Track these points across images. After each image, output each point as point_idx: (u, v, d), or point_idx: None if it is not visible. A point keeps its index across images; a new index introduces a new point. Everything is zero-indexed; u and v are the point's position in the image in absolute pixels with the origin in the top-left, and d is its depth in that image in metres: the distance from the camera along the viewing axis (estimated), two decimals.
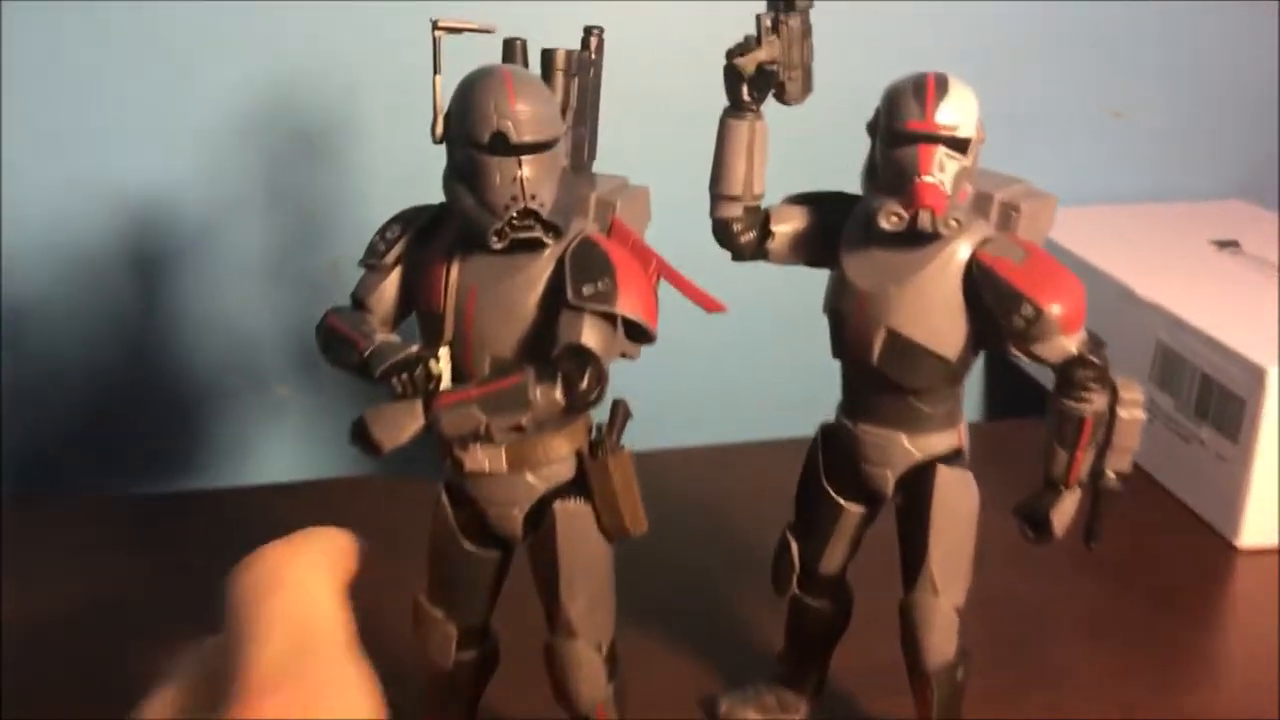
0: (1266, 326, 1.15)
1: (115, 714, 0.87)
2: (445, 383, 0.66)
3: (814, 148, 1.02)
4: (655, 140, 1.16)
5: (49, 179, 1.20)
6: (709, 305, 0.66)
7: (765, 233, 0.76)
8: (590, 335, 0.65)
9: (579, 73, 0.72)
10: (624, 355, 0.74)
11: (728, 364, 1.40)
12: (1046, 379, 1.10)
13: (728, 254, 0.77)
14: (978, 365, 1.42)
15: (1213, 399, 1.14)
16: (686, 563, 1.09)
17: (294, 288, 1.29)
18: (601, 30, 0.73)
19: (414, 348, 0.66)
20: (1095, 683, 0.95)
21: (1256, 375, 1.09)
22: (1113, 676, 0.96)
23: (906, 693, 0.84)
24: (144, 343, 1.27)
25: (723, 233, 0.76)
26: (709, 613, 1.02)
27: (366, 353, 0.66)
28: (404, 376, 0.64)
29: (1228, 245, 1.36)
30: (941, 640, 0.78)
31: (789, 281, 1.22)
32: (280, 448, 1.34)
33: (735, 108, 0.73)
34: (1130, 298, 1.25)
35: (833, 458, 0.80)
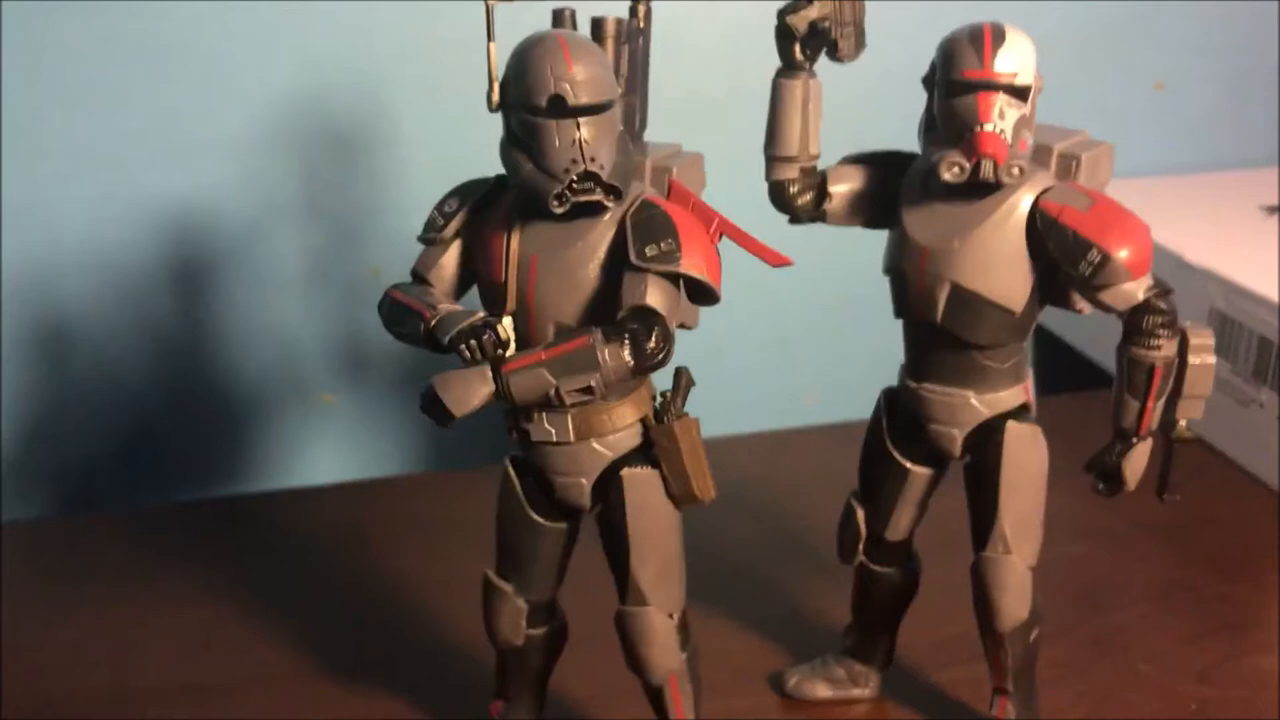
0: None
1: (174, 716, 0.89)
2: (511, 350, 0.65)
3: (870, 108, 1.02)
4: (707, 109, 1.16)
5: (85, 197, 1.21)
6: (774, 260, 0.66)
7: (822, 194, 0.75)
8: (655, 295, 0.64)
9: (629, 41, 0.72)
10: (683, 325, 0.74)
11: (783, 351, 1.40)
12: (1096, 352, 1.10)
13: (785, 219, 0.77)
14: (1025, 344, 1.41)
15: (1272, 360, 1.13)
16: (748, 545, 1.09)
17: (336, 296, 1.30)
18: None
19: (480, 314, 0.66)
20: (1167, 649, 0.94)
21: None
22: (1183, 643, 0.95)
23: (975, 662, 0.84)
24: (187, 356, 1.28)
25: (779, 195, 0.75)
26: (773, 593, 1.02)
27: (433, 322, 0.66)
28: (472, 342, 0.64)
29: (1276, 210, 1.35)
30: (1015, 601, 0.77)
31: (845, 268, 1.23)
32: (328, 452, 1.34)
33: (788, 68, 0.73)
34: (1182, 266, 1.23)
35: (897, 420, 0.79)
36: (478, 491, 1.09)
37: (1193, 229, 1.30)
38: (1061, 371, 1.43)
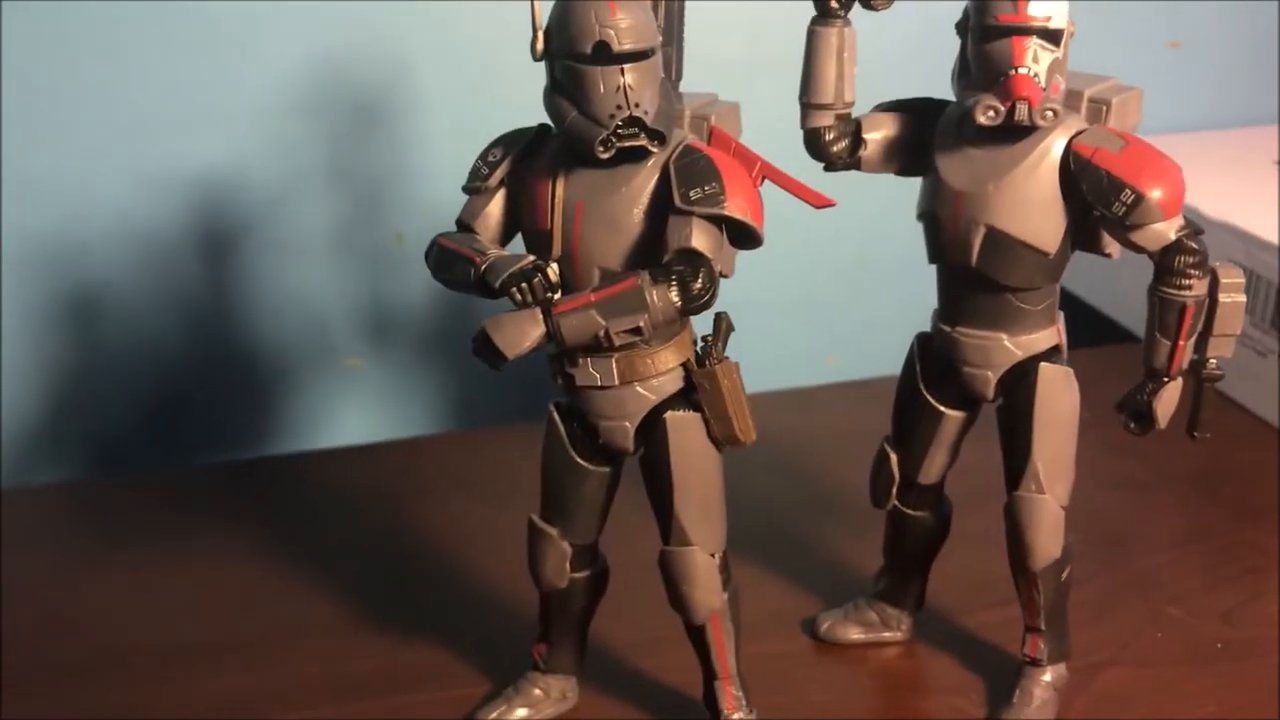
0: None
1: (223, 670, 0.91)
2: (559, 294, 0.67)
3: (904, 55, 1.03)
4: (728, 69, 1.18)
5: (111, 166, 1.22)
6: (818, 201, 0.67)
7: (857, 141, 0.77)
8: (700, 238, 0.66)
9: None
10: (720, 273, 0.76)
11: (805, 310, 1.42)
12: (1113, 308, 1.11)
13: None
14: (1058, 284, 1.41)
15: None
16: (776, 498, 1.10)
17: (360, 262, 1.31)
18: None
19: (530, 258, 0.67)
20: (1192, 592, 0.96)
21: None
22: (1208, 586, 0.97)
23: (1005, 606, 0.86)
24: (214, 321, 1.30)
25: (814, 143, 0.77)
26: (803, 542, 1.04)
27: (483, 267, 0.67)
28: (523, 285, 0.65)
29: None
30: (1048, 539, 0.79)
31: (864, 228, 1.24)
32: (355, 415, 1.36)
33: (823, 15, 0.74)
34: (1200, 219, 1.24)
35: (931, 365, 0.81)
36: (502, 448, 1.13)
37: (1209, 184, 1.31)
38: (1078, 327, 1.45)
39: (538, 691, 0.84)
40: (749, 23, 1.29)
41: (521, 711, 0.83)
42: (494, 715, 0.83)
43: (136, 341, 1.28)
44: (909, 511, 0.86)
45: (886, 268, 1.28)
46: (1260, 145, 1.43)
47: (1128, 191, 0.69)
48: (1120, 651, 0.89)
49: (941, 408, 0.81)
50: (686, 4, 0.76)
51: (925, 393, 0.81)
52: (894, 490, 0.85)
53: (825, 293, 1.42)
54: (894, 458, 0.84)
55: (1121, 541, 1.02)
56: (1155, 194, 0.69)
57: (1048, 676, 0.83)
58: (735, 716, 0.79)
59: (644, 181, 0.68)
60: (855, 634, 0.91)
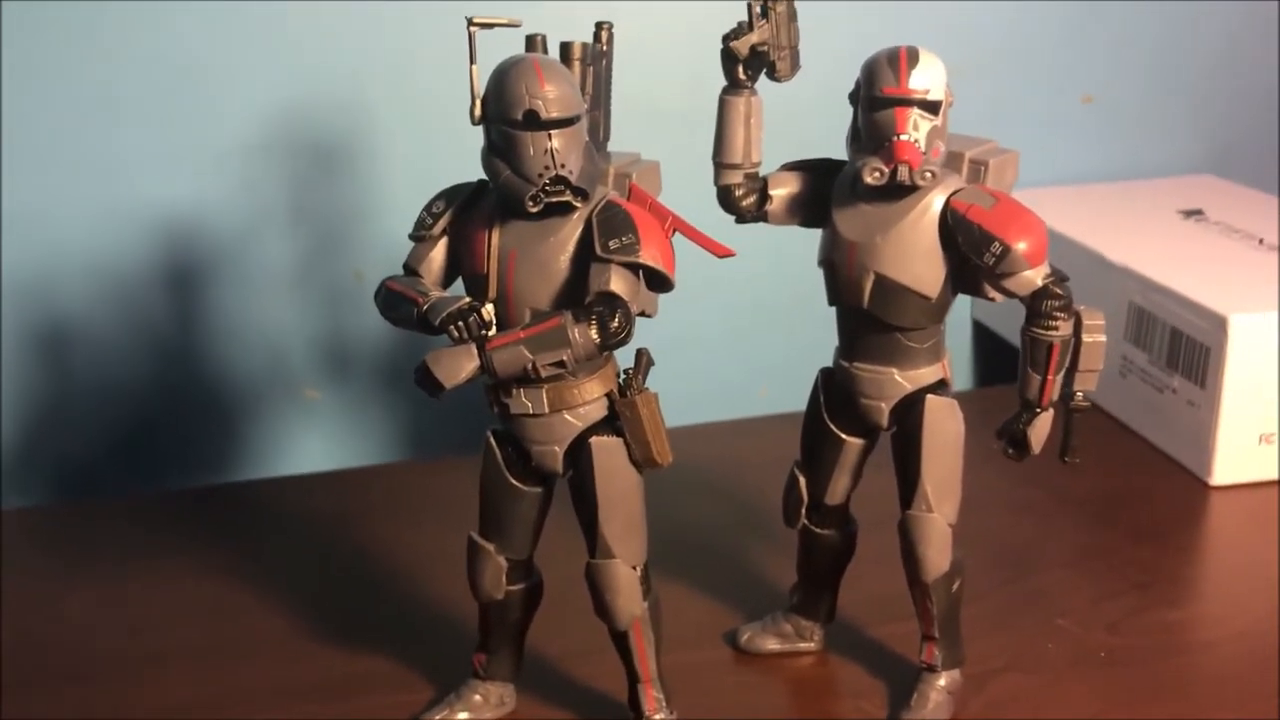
0: (1228, 281, 1.25)
1: (187, 677, 0.97)
2: (493, 331, 0.75)
3: (804, 121, 1.12)
4: (664, 120, 1.26)
5: (83, 204, 1.29)
6: (719, 251, 0.76)
7: (764, 197, 0.85)
8: (617, 283, 0.74)
9: (593, 62, 0.81)
10: (643, 314, 0.84)
11: (735, 345, 1.51)
12: None
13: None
14: (966, 340, 1.51)
15: (1182, 350, 1.24)
16: (704, 521, 1.18)
17: (320, 298, 1.38)
18: (611, 25, 0.83)
19: (466, 299, 0.75)
20: (1081, 606, 1.04)
21: (1219, 324, 1.18)
22: (1096, 600, 1.05)
23: (909, 620, 0.93)
24: (180, 354, 1.36)
25: (726, 198, 0.85)
26: (727, 561, 1.11)
27: (425, 306, 0.75)
28: (460, 324, 0.73)
29: (1193, 214, 1.46)
30: (937, 553, 0.87)
31: (789, 275, 1.32)
32: (313, 444, 1.42)
33: (732, 86, 0.83)
34: (1104, 264, 1.34)
35: (833, 396, 0.89)
36: (449, 477, 1.20)
37: (1116, 231, 1.40)
38: (997, 365, 1.54)
39: (478, 697, 0.91)
40: (687, 74, 1.38)
41: (463, 715, 0.90)
42: (438, 718, 0.90)
43: (107, 373, 1.34)
44: (817, 530, 0.94)
45: (818, 306, 1.37)
46: (1167, 196, 1.52)
47: (997, 244, 0.78)
48: (1013, 659, 0.97)
49: (843, 435, 0.89)
50: (616, 65, 0.85)
51: (828, 421, 0.89)
52: (803, 510, 0.93)
53: (760, 329, 1.50)
54: (803, 481, 0.92)
55: (1020, 560, 1.11)
56: (1021, 245, 0.78)
57: (942, 681, 0.91)
58: (656, 717, 0.87)
59: (569, 232, 0.76)
60: (772, 644, 0.98)
